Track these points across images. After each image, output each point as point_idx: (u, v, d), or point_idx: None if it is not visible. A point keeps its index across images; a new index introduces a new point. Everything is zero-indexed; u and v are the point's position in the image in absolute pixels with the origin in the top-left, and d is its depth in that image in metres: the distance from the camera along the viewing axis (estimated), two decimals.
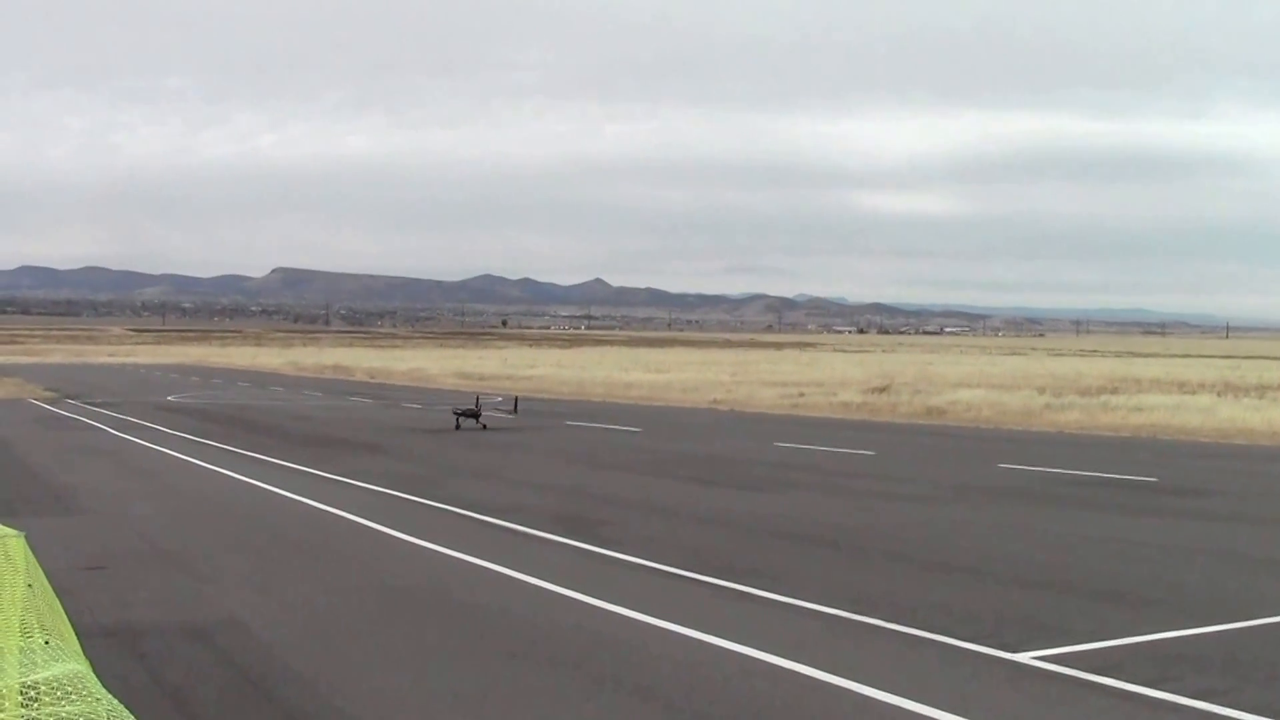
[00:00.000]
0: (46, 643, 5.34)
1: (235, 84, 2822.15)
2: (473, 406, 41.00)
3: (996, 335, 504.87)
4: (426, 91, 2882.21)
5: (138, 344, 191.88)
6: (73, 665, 4.92)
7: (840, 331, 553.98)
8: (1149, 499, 22.36)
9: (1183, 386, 64.92)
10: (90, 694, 4.52)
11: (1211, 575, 14.83)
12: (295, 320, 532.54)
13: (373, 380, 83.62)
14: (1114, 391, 58.58)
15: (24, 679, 4.79)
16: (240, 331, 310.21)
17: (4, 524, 7.21)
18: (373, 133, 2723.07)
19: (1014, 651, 10.74)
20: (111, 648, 10.62)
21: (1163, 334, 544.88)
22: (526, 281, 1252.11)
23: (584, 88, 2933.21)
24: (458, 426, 39.52)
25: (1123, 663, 10.40)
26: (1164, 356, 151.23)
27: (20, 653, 5.22)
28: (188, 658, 10.76)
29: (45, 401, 55.11)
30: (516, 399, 49.52)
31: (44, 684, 4.63)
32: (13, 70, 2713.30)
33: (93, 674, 4.75)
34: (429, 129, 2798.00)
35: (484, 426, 39.55)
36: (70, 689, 4.52)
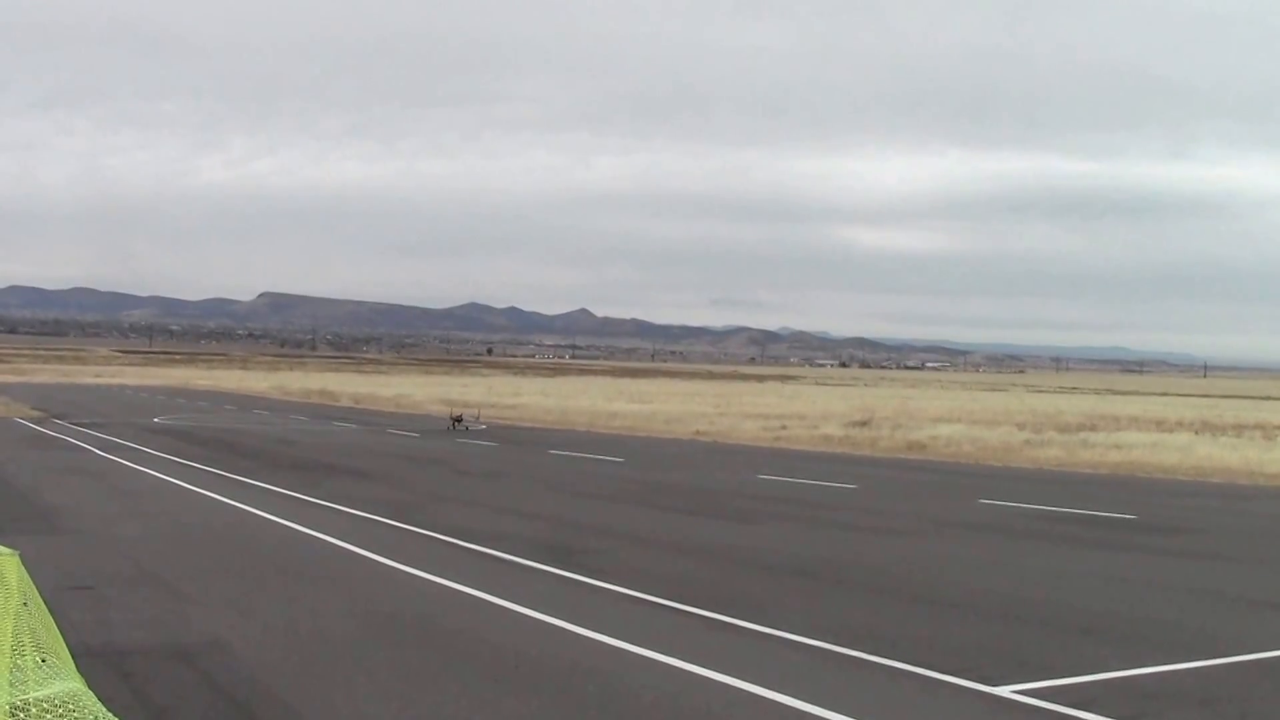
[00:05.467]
0: (44, 661, 5.39)
1: (231, 110, 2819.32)
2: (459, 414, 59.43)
3: (977, 371, 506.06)
4: (420, 121, 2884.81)
5: (125, 365, 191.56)
6: (70, 684, 4.97)
7: (822, 365, 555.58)
8: (1128, 536, 22.49)
9: (1161, 425, 65.28)
10: (89, 712, 4.59)
11: (1189, 612, 14.95)
12: (282, 345, 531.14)
13: (358, 406, 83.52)
14: (1093, 429, 58.85)
15: (16, 698, 4.83)
16: (227, 355, 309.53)
17: None
18: (365, 160, 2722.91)
19: (995, 685, 10.84)
20: (97, 668, 10.62)
21: (1141, 372, 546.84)
22: (512, 310, 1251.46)
23: (576, 121, 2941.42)
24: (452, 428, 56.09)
25: (1101, 698, 10.49)
26: (1143, 395, 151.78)
27: (12, 671, 5.27)
28: (172, 679, 10.79)
29: (32, 421, 54.96)
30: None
31: (41, 703, 4.67)
32: (8, 91, 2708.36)
33: (90, 693, 4.80)
34: (421, 158, 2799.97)
35: (466, 428, 56.04)
36: (70, 707, 4.57)
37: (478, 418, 63.37)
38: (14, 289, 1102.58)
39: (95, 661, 10.86)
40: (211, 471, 31.67)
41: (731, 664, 11.41)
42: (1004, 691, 10.67)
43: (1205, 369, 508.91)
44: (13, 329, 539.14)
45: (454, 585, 15.66)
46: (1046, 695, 10.52)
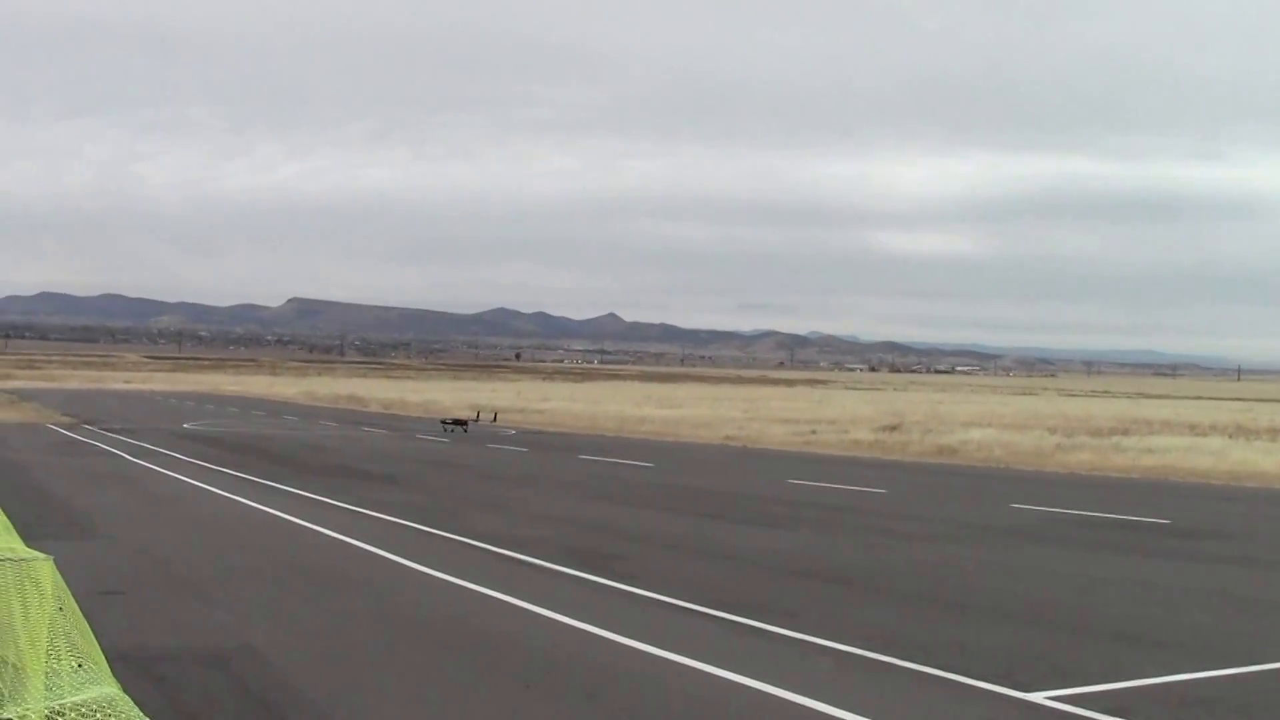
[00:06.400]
0: (80, 665, 5.41)
1: (258, 115, 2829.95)
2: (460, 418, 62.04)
3: (1008, 375, 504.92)
4: (447, 125, 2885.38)
5: (154, 371, 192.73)
6: (106, 689, 4.99)
7: (852, 369, 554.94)
8: (1161, 541, 22.36)
9: (1194, 428, 64.89)
10: (125, 717, 4.60)
11: (1225, 618, 14.83)
12: (310, 350, 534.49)
13: (387, 411, 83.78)
14: (1125, 433, 58.56)
15: (52, 703, 4.85)
16: (255, 361, 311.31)
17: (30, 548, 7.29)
18: (392, 165, 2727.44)
19: (1028, 691, 10.77)
20: (129, 672, 10.66)
21: (1174, 375, 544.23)
22: (540, 315, 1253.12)
23: (603, 125, 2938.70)
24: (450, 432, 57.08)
25: (1136, 705, 10.41)
26: (1175, 398, 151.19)
27: (48, 676, 5.29)
28: (204, 683, 10.82)
29: (63, 427, 55.34)
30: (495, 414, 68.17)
31: (79, 707, 4.69)
32: (36, 99, 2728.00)
33: (127, 698, 4.82)
34: (448, 162, 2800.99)
35: (465, 431, 57.72)
36: (107, 712, 4.58)
37: (494, 419, 65.33)
38: (44, 295, 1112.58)
39: (127, 666, 10.89)
40: (241, 477, 31.80)
41: (762, 669, 11.38)
42: (1037, 698, 10.60)
43: (1239, 372, 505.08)
44: (43, 335, 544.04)
45: (484, 590, 15.67)
46: (1080, 701, 10.44)
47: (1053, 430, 59.33)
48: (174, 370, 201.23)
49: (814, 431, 58.89)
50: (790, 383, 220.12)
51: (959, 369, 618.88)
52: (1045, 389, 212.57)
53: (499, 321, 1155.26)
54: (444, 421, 61.66)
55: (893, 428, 60.36)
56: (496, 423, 64.71)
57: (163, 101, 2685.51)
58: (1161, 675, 11.55)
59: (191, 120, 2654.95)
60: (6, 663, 5.51)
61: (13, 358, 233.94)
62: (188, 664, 11.48)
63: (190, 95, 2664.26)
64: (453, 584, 16.28)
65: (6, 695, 5.10)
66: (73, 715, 4.69)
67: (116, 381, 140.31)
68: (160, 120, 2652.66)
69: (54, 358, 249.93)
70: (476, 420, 63.62)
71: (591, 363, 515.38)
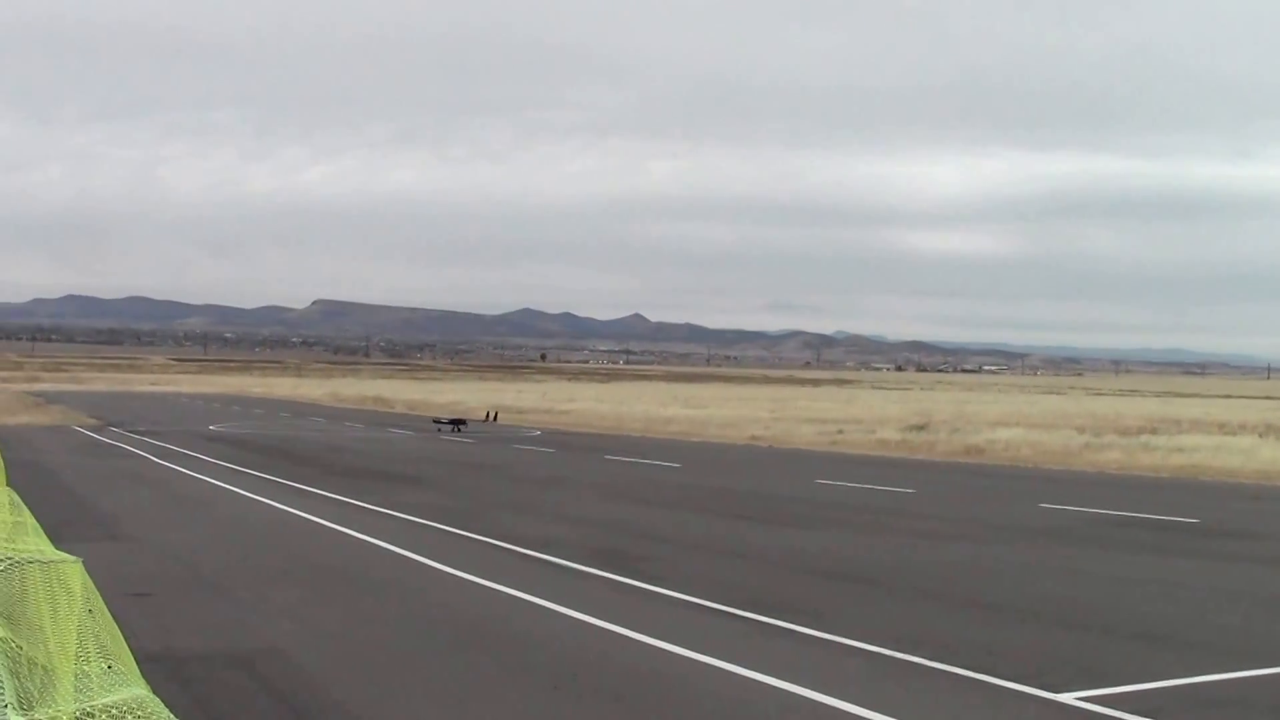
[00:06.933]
0: (110, 667, 5.42)
1: (282, 118, 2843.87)
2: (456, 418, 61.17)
3: (1035, 374, 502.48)
4: (472, 128, 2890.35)
5: (180, 373, 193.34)
6: (135, 690, 4.99)
7: (878, 369, 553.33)
8: (1191, 540, 22.21)
9: (1223, 427, 64.49)
10: (155, 718, 4.59)
11: (1256, 618, 14.72)
12: (336, 352, 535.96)
13: (412, 412, 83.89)
14: (1154, 432, 58.22)
15: (82, 704, 4.85)
16: (281, 362, 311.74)
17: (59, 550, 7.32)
18: (417, 167, 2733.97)
19: (1057, 692, 10.71)
20: (156, 674, 10.68)
21: (1202, 374, 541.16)
22: (566, 316, 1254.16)
23: (627, 125, 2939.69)
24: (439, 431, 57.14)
25: (1166, 705, 10.35)
26: (1204, 397, 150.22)
27: (77, 678, 5.30)
28: (231, 685, 10.86)
29: (89, 429, 55.64)
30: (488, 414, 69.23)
31: (109, 709, 4.69)
32: (62, 103, 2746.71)
33: (156, 699, 4.81)
34: (473, 164, 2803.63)
35: (457, 431, 57.21)
36: (138, 714, 4.58)
37: (494, 418, 66.58)
38: (71, 298, 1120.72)
39: (154, 668, 10.91)
40: (267, 478, 31.90)
41: (790, 669, 11.35)
42: (1067, 698, 10.54)
43: (1268, 370, 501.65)
44: (70, 338, 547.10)
45: (511, 591, 15.67)
46: (1110, 702, 10.38)
47: (1081, 429, 59.05)
48: (200, 372, 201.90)
49: (841, 431, 58.74)
50: (817, 382, 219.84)
51: (986, 368, 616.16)
52: (1073, 388, 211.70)
53: (524, 322, 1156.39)
54: (437, 420, 62.20)
55: (920, 427, 60.19)
56: (497, 421, 65.02)
57: (188, 105, 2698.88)
58: (1191, 676, 11.47)
59: (216, 124, 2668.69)
60: (36, 664, 5.52)
61: (39, 360, 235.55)
62: (215, 666, 11.52)
63: (215, 99, 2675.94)
64: (480, 585, 16.29)
65: (37, 697, 5.11)
66: (103, 717, 4.68)
67: (142, 384, 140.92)
68: (185, 124, 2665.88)
69: (80, 360, 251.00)
70: (486, 420, 63.93)
71: (617, 363, 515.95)
